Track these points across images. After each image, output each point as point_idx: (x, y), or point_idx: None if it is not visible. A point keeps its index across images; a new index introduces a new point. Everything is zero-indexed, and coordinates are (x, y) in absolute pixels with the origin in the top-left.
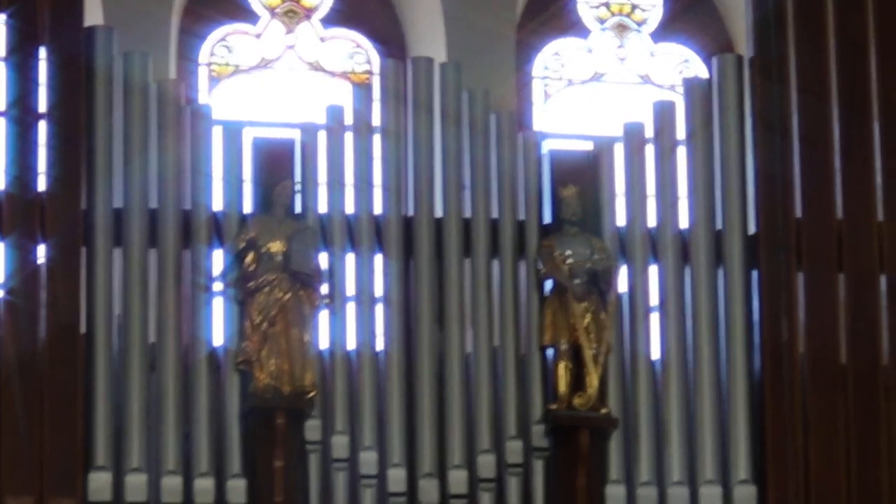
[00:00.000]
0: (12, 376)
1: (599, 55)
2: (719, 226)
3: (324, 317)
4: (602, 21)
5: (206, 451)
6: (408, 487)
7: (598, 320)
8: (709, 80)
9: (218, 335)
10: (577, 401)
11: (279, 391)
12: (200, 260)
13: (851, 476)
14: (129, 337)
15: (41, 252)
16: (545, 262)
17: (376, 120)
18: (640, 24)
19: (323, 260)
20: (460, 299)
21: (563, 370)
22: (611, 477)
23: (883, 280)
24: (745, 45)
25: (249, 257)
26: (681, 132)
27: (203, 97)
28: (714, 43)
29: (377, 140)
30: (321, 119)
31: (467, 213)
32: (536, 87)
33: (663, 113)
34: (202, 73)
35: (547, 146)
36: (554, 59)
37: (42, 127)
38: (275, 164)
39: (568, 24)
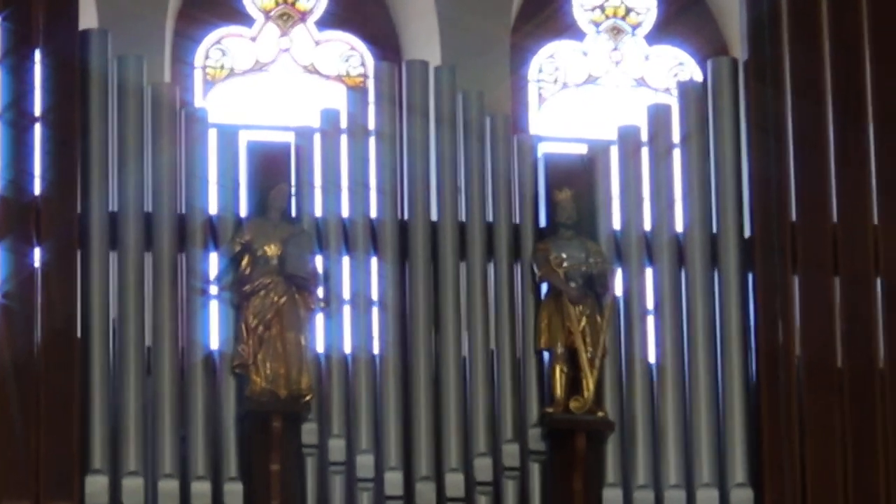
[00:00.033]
0: (8, 380)
1: (594, 58)
2: (714, 229)
3: (320, 320)
4: (597, 24)
5: (202, 455)
6: (404, 491)
7: (593, 323)
8: (703, 84)
9: (214, 339)
10: (573, 404)
11: (275, 395)
12: (196, 263)
13: (848, 478)
14: (125, 340)
15: (37, 256)
16: (541, 265)
17: (371, 123)
18: (634, 27)
19: (318, 263)
20: (456, 303)
21: (559, 373)
22: (607, 480)
23: (878, 283)
24: (739, 49)
25: (245, 261)
26: (676, 135)
27: (198, 100)
28: (708, 46)
29: (372, 143)
30: (316, 122)
31: (462, 217)
32: (531, 91)
33: (658, 116)
34: (197, 77)
35: (542, 149)
36: (549, 62)
37: (37, 130)
38: (270, 167)
39: (563, 27)
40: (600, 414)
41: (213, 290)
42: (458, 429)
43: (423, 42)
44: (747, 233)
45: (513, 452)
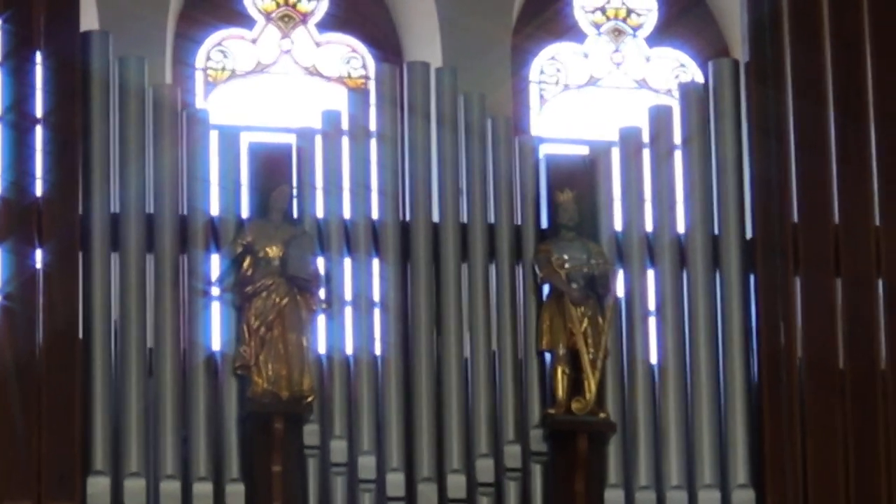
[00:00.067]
0: (10, 381)
1: (595, 60)
2: (716, 230)
3: (321, 321)
4: (598, 26)
5: (204, 456)
6: (406, 492)
7: (595, 325)
8: (705, 85)
9: (216, 340)
10: (575, 405)
11: (277, 396)
12: (197, 265)
13: (850, 480)
14: (127, 342)
15: (38, 257)
16: (542, 266)
17: (372, 125)
18: (635, 28)
19: (320, 264)
20: (458, 304)
21: (560, 375)
22: (609, 481)
23: (880, 284)
24: (740, 50)
25: (246, 262)
26: (677, 137)
27: (199, 102)
28: (710, 47)
29: (373, 145)
30: (317, 124)
31: (464, 218)
32: (532, 92)
33: (659, 117)
34: (198, 78)
35: (543, 151)
36: (550, 63)
37: (38, 132)
38: (271, 168)
39: (564, 28)
40: (602, 415)
41: (215, 291)
42: (460, 430)
43: (424, 44)
44: (749, 234)
45: (514, 453)
